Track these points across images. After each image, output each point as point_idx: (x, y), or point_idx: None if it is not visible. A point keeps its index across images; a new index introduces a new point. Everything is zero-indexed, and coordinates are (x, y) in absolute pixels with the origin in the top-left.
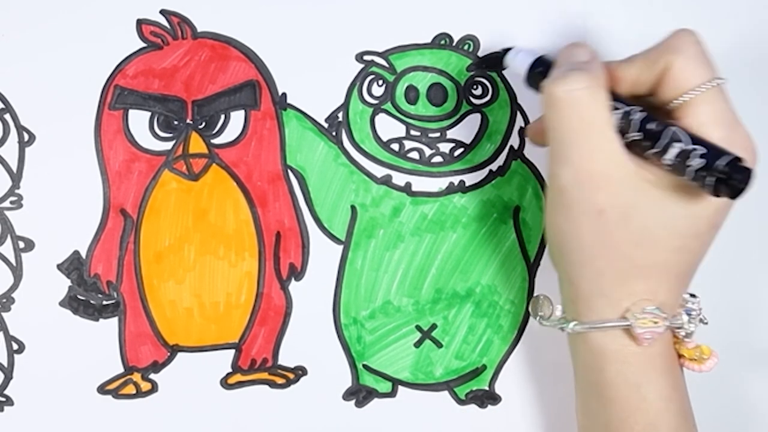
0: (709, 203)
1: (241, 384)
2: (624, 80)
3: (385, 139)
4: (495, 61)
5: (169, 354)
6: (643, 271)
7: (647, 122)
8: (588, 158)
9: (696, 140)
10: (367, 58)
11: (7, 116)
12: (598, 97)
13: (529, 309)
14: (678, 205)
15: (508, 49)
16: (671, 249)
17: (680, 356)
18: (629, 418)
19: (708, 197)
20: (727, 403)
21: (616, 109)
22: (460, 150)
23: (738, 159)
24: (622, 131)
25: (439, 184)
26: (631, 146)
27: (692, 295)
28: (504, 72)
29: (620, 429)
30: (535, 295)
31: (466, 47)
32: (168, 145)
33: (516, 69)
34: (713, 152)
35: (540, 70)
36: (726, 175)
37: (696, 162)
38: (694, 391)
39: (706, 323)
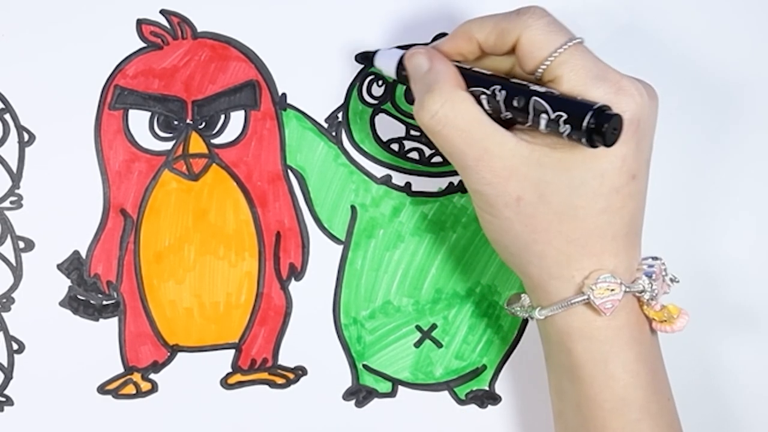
0: (608, 155)
1: (241, 384)
2: (469, 43)
3: (385, 139)
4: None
5: (169, 354)
6: (581, 243)
7: (511, 99)
8: (482, 159)
9: (559, 102)
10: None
11: (7, 116)
12: (458, 104)
13: (505, 305)
14: (582, 167)
15: (376, 51)
16: (597, 212)
17: (650, 320)
18: (598, 395)
19: (605, 150)
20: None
21: (482, 94)
22: None
23: (602, 108)
24: (496, 111)
25: (439, 184)
26: (513, 122)
27: (654, 258)
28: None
29: (591, 408)
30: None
31: None
32: (168, 145)
33: (385, 71)
34: (576, 111)
35: (405, 72)
36: (596, 128)
37: (564, 128)
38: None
39: (678, 281)
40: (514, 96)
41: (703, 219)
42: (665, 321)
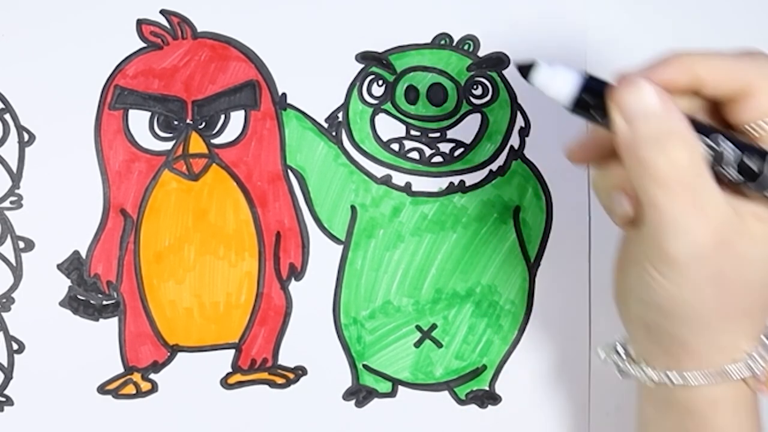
0: None
1: (241, 384)
2: (694, 78)
3: (385, 139)
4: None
5: (169, 354)
6: (750, 312)
7: (745, 158)
8: (704, 228)
9: None
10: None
11: (7, 116)
12: (699, 162)
13: (599, 351)
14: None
15: (529, 64)
16: None
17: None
18: None
19: None
20: None
21: (706, 146)
22: (461, 150)
23: None
24: (711, 165)
25: (439, 184)
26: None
27: None
28: (505, 73)
29: None
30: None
31: (466, 47)
32: (168, 145)
33: (552, 93)
34: None
35: (590, 98)
36: None
37: None
38: None
39: None
40: (749, 153)
41: None
42: None
